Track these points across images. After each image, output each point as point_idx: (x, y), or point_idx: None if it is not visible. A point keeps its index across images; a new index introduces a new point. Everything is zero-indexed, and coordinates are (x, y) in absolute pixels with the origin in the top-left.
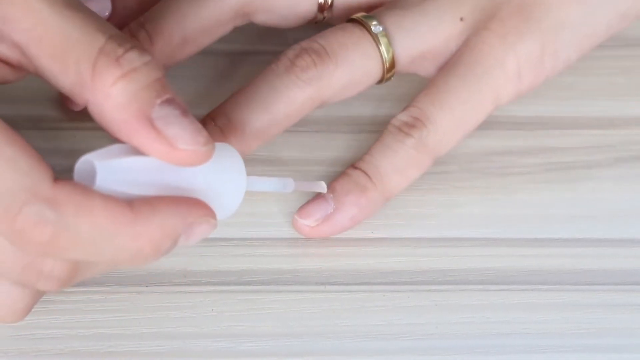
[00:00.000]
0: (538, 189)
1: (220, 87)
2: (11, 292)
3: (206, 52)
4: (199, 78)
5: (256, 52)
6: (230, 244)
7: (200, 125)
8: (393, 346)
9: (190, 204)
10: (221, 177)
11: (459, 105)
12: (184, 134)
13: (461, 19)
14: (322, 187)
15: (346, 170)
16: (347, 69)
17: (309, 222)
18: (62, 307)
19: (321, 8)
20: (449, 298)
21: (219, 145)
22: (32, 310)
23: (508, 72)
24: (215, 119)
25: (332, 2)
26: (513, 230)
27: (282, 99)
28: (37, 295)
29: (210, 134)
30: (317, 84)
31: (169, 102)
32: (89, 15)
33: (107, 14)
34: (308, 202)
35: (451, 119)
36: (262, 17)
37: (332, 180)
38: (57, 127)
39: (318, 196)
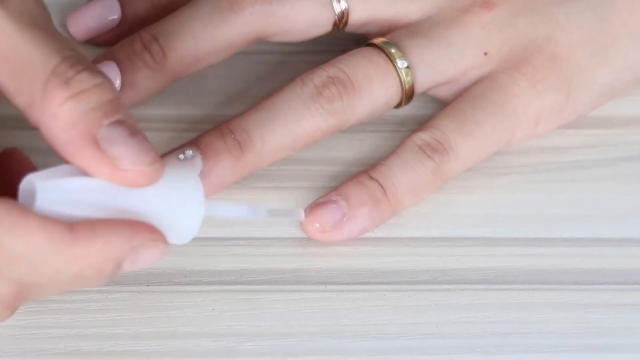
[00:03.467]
0: (538, 189)
1: (223, 86)
2: None
3: None
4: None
5: (261, 52)
6: (230, 244)
7: (149, 145)
8: (393, 346)
9: (135, 227)
10: (174, 201)
11: (481, 139)
12: (129, 154)
13: (485, 54)
14: (299, 215)
15: (361, 179)
16: (369, 103)
17: (319, 226)
18: (62, 306)
19: (336, 26)
20: (449, 297)
21: (176, 168)
22: (33, 309)
23: (529, 117)
24: (235, 133)
25: (346, 22)
26: (513, 229)
27: (305, 126)
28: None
29: (228, 147)
30: (340, 116)
31: (118, 123)
32: (51, 35)
33: (115, 16)
34: (321, 206)
35: (471, 150)
36: (277, 39)
37: (345, 185)
38: None
39: (331, 202)
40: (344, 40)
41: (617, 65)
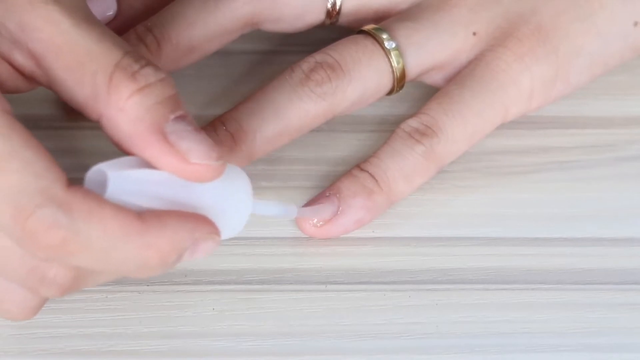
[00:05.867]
0: (538, 188)
1: (213, 85)
2: (21, 291)
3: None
4: (206, 77)
5: (256, 52)
6: (230, 243)
7: (212, 142)
8: (393, 345)
9: (197, 220)
10: (229, 197)
11: (471, 118)
12: (197, 148)
13: (474, 34)
14: (326, 213)
15: (352, 171)
16: (360, 85)
17: (314, 221)
18: (63, 306)
19: (329, 15)
20: (449, 297)
21: (229, 167)
22: None
23: (521, 91)
24: (227, 124)
25: (339, 9)
26: (513, 229)
27: (296, 111)
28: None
29: (221, 139)
30: (330, 98)
31: (182, 118)
32: (105, 30)
33: (111, 13)
34: (313, 202)
35: (462, 130)
36: (270, 26)
37: (337, 180)
38: (57, 127)
39: (323, 197)
40: (339, 37)
41: (604, 31)
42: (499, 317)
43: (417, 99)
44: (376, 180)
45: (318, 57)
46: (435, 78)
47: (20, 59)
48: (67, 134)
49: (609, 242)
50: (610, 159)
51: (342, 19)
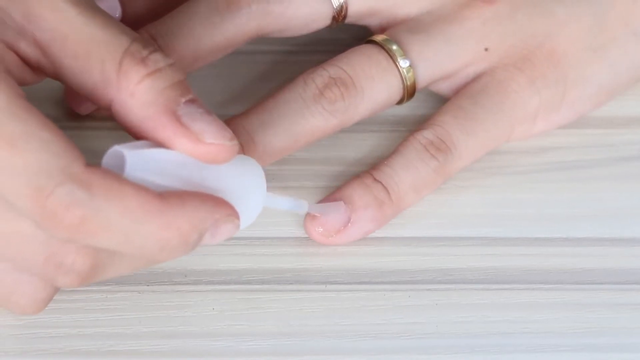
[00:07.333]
0: (538, 188)
1: (223, 85)
2: (32, 281)
3: None
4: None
5: (261, 52)
6: (230, 243)
7: (224, 124)
8: (393, 345)
9: (217, 202)
10: (243, 185)
11: (482, 136)
12: (210, 129)
13: (486, 49)
14: (338, 208)
15: (363, 179)
16: (371, 102)
17: (323, 231)
18: (63, 306)
19: (335, 19)
20: (449, 297)
21: (244, 158)
22: None
23: (528, 113)
24: (237, 134)
25: (345, 15)
26: (514, 229)
27: (307, 127)
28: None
29: None
30: (342, 116)
31: (192, 101)
32: (110, 18)
33: (117, 15)
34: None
35: (473, 147)
36: (276, 35)
37: (347, 186)
38: (58, 127)
39: (333, 202)
40: (345, 40)
41: (614, 63)
42: (499, 317)
43: (418, 99)
44: (388, 192)
45: (331, 70)
46: (441, 87)
47: (26, 48)
48: (67, 134)
49: (609, 242)
50: (610, 159)
51: (348, 20)
